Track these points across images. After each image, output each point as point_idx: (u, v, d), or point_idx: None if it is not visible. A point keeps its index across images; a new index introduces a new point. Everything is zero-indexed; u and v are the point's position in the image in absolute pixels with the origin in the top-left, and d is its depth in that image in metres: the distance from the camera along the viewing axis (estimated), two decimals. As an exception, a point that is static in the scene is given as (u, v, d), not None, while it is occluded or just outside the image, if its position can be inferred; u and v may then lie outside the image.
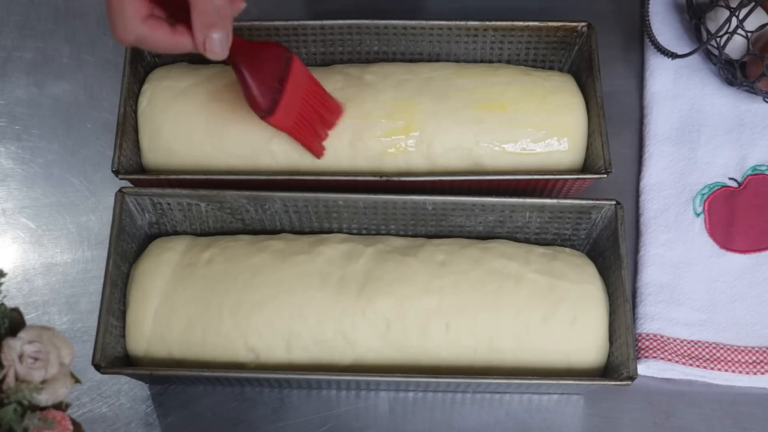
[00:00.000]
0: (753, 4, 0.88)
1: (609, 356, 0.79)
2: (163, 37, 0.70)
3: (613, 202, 0.81)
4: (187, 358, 0.79)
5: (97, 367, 0.74)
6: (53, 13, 0.99)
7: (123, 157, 0.82)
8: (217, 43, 0.71)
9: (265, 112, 0.77)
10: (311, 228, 0.85)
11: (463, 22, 0.88)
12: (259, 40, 0.88)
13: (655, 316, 0.85)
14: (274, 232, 0.85)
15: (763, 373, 0.84)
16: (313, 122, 0.81)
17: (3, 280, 0.60)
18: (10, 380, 0.56)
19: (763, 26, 0.89)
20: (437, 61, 0.90)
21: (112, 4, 0.69)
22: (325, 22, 0.88)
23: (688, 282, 0.87)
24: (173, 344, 0.78)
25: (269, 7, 1.00)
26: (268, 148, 0.84)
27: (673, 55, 0.93)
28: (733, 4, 0.90)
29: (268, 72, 0.77)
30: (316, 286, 0.79)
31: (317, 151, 0.83)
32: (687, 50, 0.94)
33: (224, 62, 0.74)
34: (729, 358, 0.84)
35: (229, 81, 0.86)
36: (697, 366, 0.83)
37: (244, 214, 0.83)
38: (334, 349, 0.78)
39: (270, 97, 0.77)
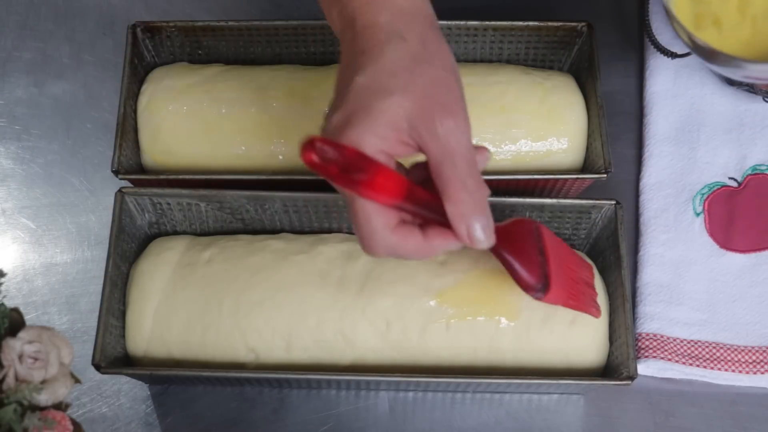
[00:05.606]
0: (753, 3, 0.88)
1: (609, 356, 0.79)
2: (415, 245, 0.65)
3: (613, 202, 0.81)
4: (187, 358, 0.79)
5: (97, 367, 0.74)
6: (53, 13, 0.99)
7: (123, 157, 0.82)
8: (482, 232, 0.65)
9: (540, 291, 0.71)
10: (311, 228, 0.84)
11: (463, 22, 0.88)
12: (260, 40, 0.88)
13: (655, 316, 0.85)
14: (274, 231, 0.85)
15: (763, 373, 0.84)
16: (579, 284, 0.77)
17: (3, 280, 0.60)
18: (10, 380, 0.56)
19: (763, 26, 0.89)
20: (437, 60, 0.90)
21: (359, 217, 0.64)
22: (325, 21, 0.87)
23: (688, 282, 0.87)
24: (173, 344, 0.78)
25: (270, 7, 0.99)
26: (268, 148, 0.84)
27: (673, 55, 0.93)
28: (733, 4, 0.90)
29: (528, 249, 0.72)
30: (316, 286, 0.79)
31: (596, 312, 0.77)
32: (687, 50, 0.93)
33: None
34: (729, 358, 0.84)
35: (229, 81, 0.86)
36: (697, 366, 0.83)
37: (244, 214, 0.83)
38: (334, 348, 0.78)
39: (538, 272, 0.71)
